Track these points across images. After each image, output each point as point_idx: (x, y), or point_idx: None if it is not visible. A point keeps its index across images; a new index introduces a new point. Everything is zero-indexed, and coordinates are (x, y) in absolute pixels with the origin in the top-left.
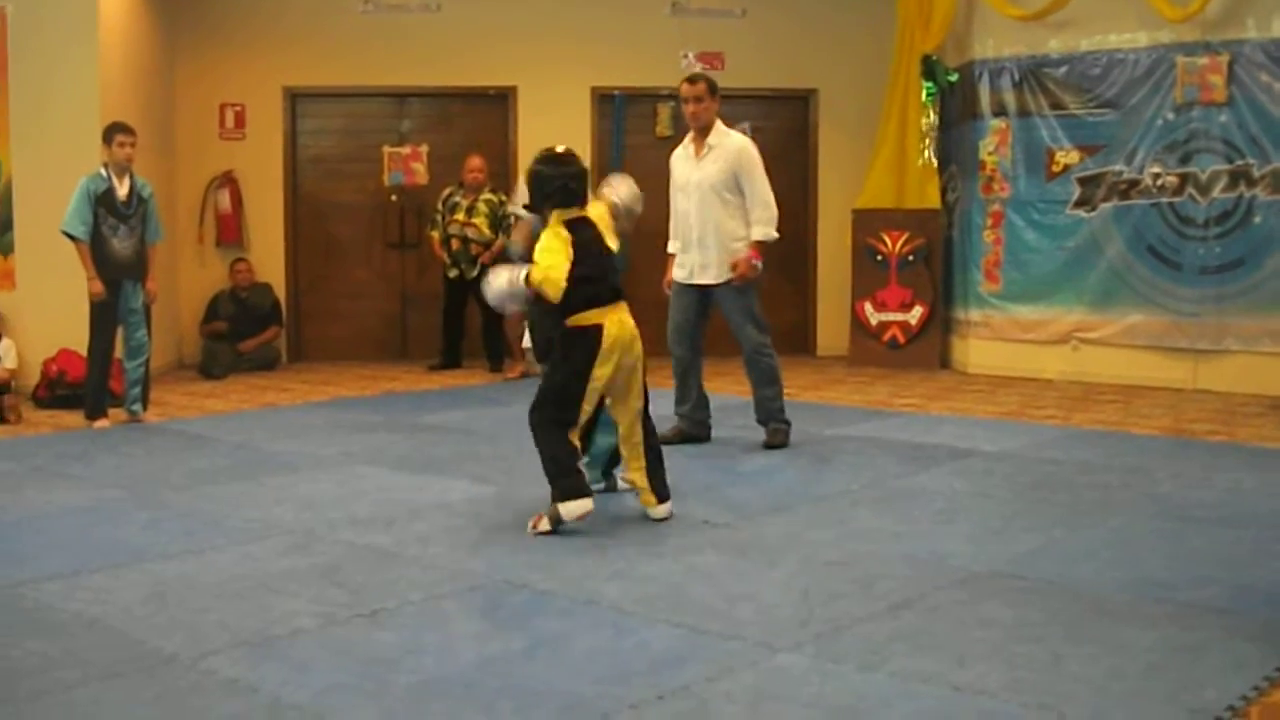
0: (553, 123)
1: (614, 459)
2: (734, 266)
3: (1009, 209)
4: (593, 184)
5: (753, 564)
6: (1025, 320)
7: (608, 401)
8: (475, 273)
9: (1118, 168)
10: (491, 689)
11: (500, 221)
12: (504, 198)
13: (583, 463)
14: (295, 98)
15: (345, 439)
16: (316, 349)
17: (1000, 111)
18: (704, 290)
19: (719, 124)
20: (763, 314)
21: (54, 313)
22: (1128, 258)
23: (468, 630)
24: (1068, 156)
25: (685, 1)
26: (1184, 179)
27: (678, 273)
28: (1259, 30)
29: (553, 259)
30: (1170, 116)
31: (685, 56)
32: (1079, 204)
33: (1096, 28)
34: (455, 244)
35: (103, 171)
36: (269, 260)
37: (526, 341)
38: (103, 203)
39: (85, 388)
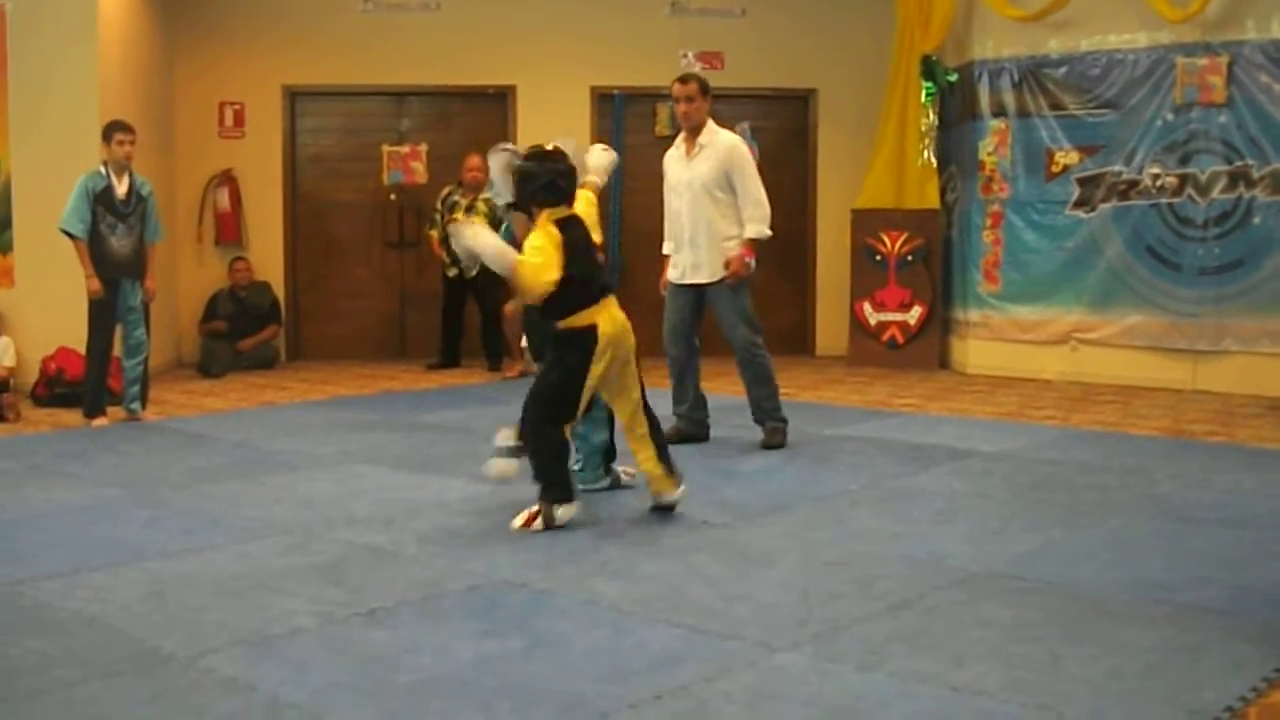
0: (552, 122)
1: (609, 453)
2: (727, 264)
3: (1008, 209)
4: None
5: (751, 564)
6: (1024, 321)
7: (604, 397)
8: (474, 272)
9: (1117, 168)
10: (489, 688)
11: (499, 221)
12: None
13: (576, 462)
14: (295, 96)
15: (344, 438)
16: (315, 348)
17: (1000, 112)
18: (698, 290)
19: (710, 123)
20: (755, 313)
21: (53, 311)
22: (1127, 258)
23: (466, 629)
24: (1067, 157)
25: (685, 1)
26: (1183, 180)
27: (671, 273)
28: (1258, 31)
29: (545, 260)
30: (1170, 117)
31: (685, 56)
32: (1078, 204)
33: (1096, 28)
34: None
35: (101, 170)
36: (268, 259)
37: (525, 341)
38: (101, 201)
39: (84, 386)
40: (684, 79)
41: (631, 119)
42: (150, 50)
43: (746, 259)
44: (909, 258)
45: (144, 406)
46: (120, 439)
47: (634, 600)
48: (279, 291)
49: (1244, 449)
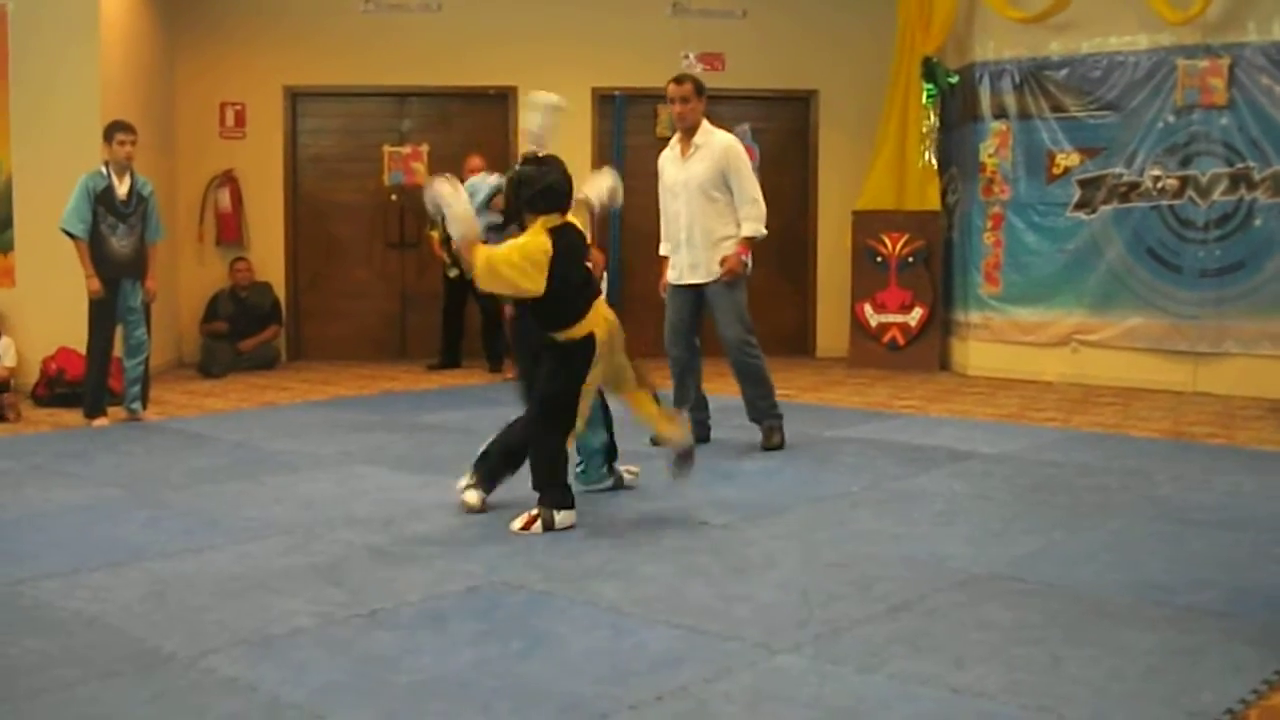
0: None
1: (611, 454)
2: (723, 262)
3: (1009, 211)
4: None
5: (751, 565)
6: (1025, 322)
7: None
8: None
9: (1118, 170)
10: (489, 689)
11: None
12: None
13: (576, 465)
14: (296, 97)
15: (344, 438)
16: (316, 348)
17: (1001, 113)
18: (697, 290)
19: (705, 123)
20: (748, 313)
21: (54, 311)
22: (1127, 260)
23: (466, 630)
24: (1068, 159)
25: (686, 2)
26: (1184, 182)
27: (670, 274)
28: (1260, 33)
29: (525, 270)
30: (1171, 119)
31: (686, 57)
32: (1079, 206)
33: (1097, 30)
34: (455, 244)
35: (103, 170)
36: (269, 259)
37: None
38: (102, 201)
39: (84, 386)
40: (679, 79)
41: (632, 120)
42: (151, 50)
43: (743, 257)
44: (910, 259)
45: (144, 407)
46: (121, 439)
47: (634, 601)
48: (280, 292)
49: (1244, 451)
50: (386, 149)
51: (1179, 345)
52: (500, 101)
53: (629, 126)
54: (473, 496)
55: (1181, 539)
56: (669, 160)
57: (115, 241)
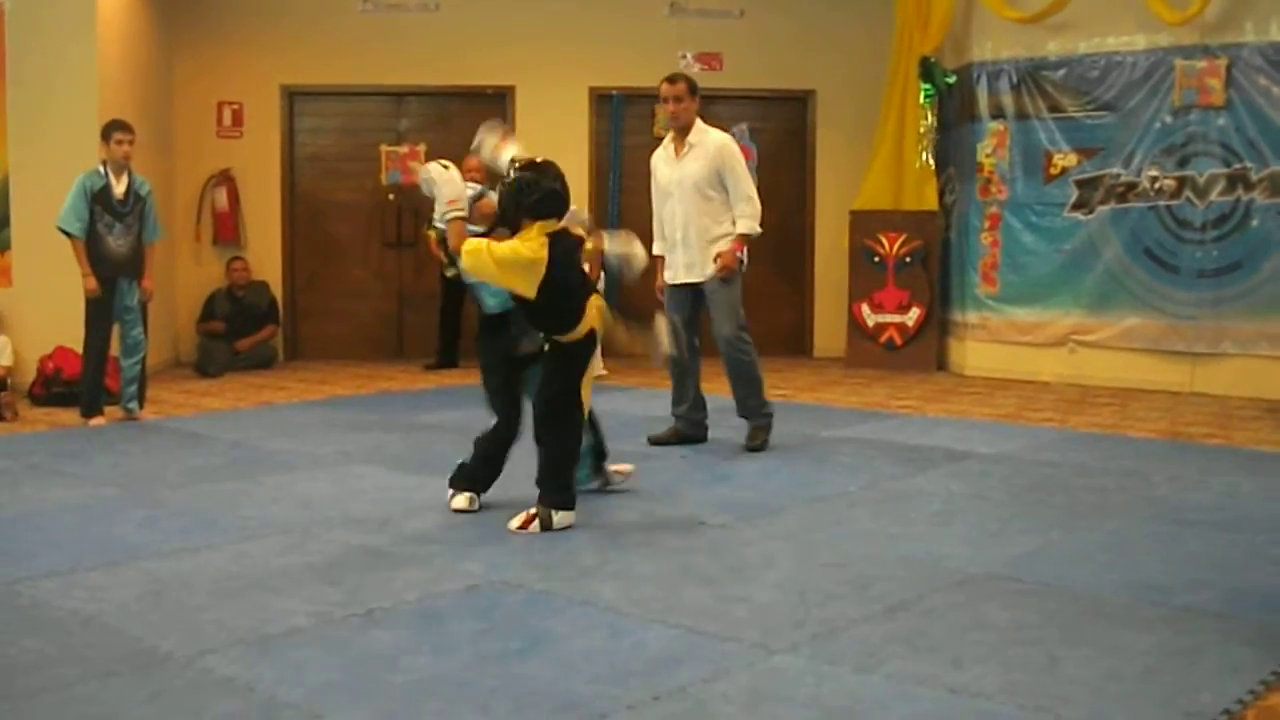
0: (551, 123)
1: (599, 454)
2: (717, 258)
3: (1006, 211)
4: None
5: (749, 565)
6: (1022, 323)
7: None
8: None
9: (1115, 170)
10: (487, 688)
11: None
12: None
13: None
14: (293, 96)
15: (341, 438)
16: (313, 348)
17: (998, 114)
18: (694, 289)
19: (699, 122)
20: (742, 310)
21: (51, 310)
22: (1125, 260)
23: (463, 630)
24: (1065, 159)
25: (683, 2)
26: (1181, 182)
27: (666, 274)
28: (1257, 34)
29: (520, 272)
30: (1168, 119)
31: (683, 57)
32: (1076, 206)
33: (1095, 30)
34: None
35: (100, 169)
36: (266, 259)
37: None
38: (99, 200)
39: (81, 385)
40: (672, 79)
41: (630, 120)
42: (149, 50)
43: (738, 254)
44: (907, 259)
45: (141, 406)
46: (117, 438)
47: (632, 601)
48: (277, 291)
49: (1241, 451)
50: (384, 149)
51: (1176, 346)
52: (498, 101)
53: (626, 126)
54: (461, 500)
55: (1178, 539)
56: (662, 159)
57: (112, 241)
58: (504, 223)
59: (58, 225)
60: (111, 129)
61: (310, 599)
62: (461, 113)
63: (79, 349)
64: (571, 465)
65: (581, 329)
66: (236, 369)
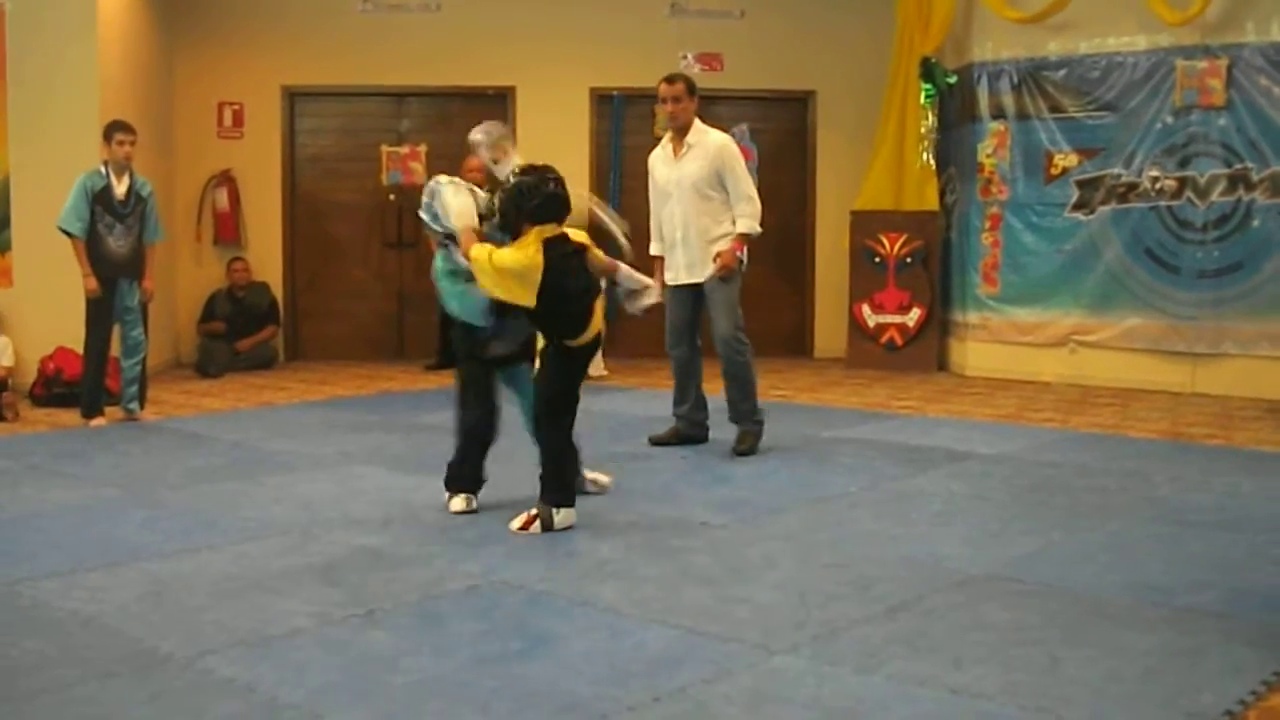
0: (551, 123)
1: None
2: (717, 257)
3: (1007, 211)
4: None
5: (750, 566)
6: (1023, 323)
7: None
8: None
9: (1116, 171)
10: (487, 689)
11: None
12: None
13: None
14: (294, 97)
15: (342, 438)
16: (313, 348)
17: (999, 114)
18: (695, 289)
19: (697, 122)
20: (740, 310)
21: (51, 310)
22: (1126, 261)
23: (464, 630)
24: (1066, 159)
25: (684, 2)
26: (1182, 182)
27: (667, 275)
28: (1258, 34)
29: (512, 273)
30: (1169, 120)
31: (684, 58)
32: (1077, 207)
33: (1095, 30)
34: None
35: (101, 169)
36: (266, 259)
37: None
38: (99, 200)
39: (81, 386)
40: (670, 79)
41: (630, 120)
42: (150, 50)
43: (737, 253)
44: (908, 260)
45: (142, 406)
46: (118, 439)
47: (632, 602)
48: (277, 292)
49: (1242, 452)
50: (385, 149)
51: (1177, 346)
52: (499, 102)
53: (627, 127)
54: (458, 502)
55: (1180, 540)
56: (660, 160)
57: (112, 241)
58: (504, 228)
59: (58, 225)
60: (113, 130)
61: (311, 600)
62: (462, 113)
63: (79, 349)
64: (571, 464)
65: (589, 334)
66: (237, 369)
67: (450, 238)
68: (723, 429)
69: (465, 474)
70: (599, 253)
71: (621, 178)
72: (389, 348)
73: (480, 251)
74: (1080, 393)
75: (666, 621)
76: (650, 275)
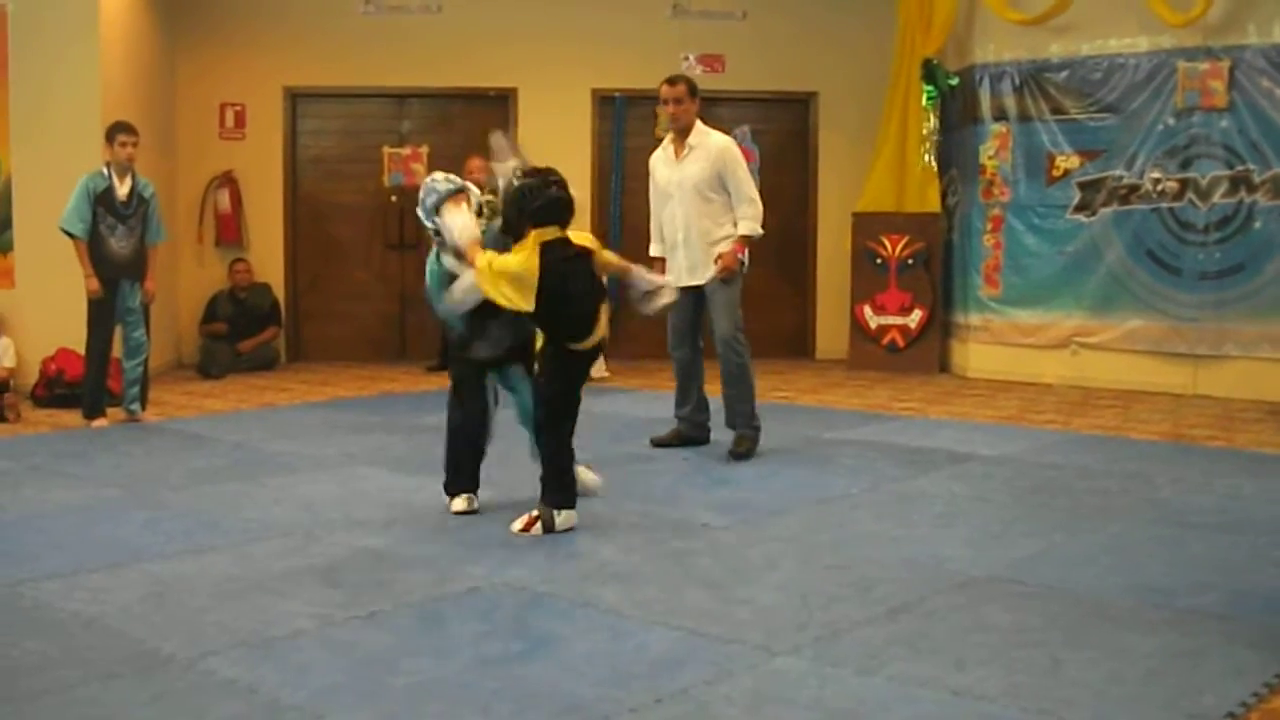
0: (553, 124)
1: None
2: (718, 259)
3: (1009, 213)
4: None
5: (751, 567)
6: (1025, 325)
7: None
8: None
9: (1118, 173)
10: (489, 691)
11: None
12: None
13: None
14: (296, 98)
15: (343, 439)
16: (315, 349)
17: (1001, 116)
18: (697, 291)
19: (699, 124)
20: (740, 312)
21: (53, 311)
22: (1127, 263)
23: (465, 632)
24: (1068, 161)
25: (686, 4)
26: (1184, 184)
27: (669, 277)
28: (1260, 36)
29: (510, 278)
30: (1171, 122)
31: (686, 59)
32: (1079, 209)
33: (1097, 32)
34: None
35: (104, 170)
36: (268, 260)
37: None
38: (102, 202)
39: (83, 387)
40: (672, 80)
41: (632, 121)
42: (152, 51)
43: (739, 255)
44: (909, 261)
45: (144, 407)
46: (120, 440)
47: (634, 603)
48: (279, 293)
49: (1244, 454)
50: (386, 150)
51: (1179, 348)
52: (501, 103)
53: (629, 128)
54: (459, 502)
55: (1181, 542)
56: (661, 161)
57: (114, 242)
58: (508, 231)
59: (60, 226)
60: (116, 131)
61: (312, 601)
62: (464, 114)
63: (81, 350)
64: (571, 465)
65: (594, 338)
66: (239, 370)
67: (439, 234)
68: (724, 431)
69: (461, 474)
70: (609, 255)
71: (623, 179)
72: (391, 349)
73: (482, 260)
74: (1082, 394)
75: (668, 623)
76: None
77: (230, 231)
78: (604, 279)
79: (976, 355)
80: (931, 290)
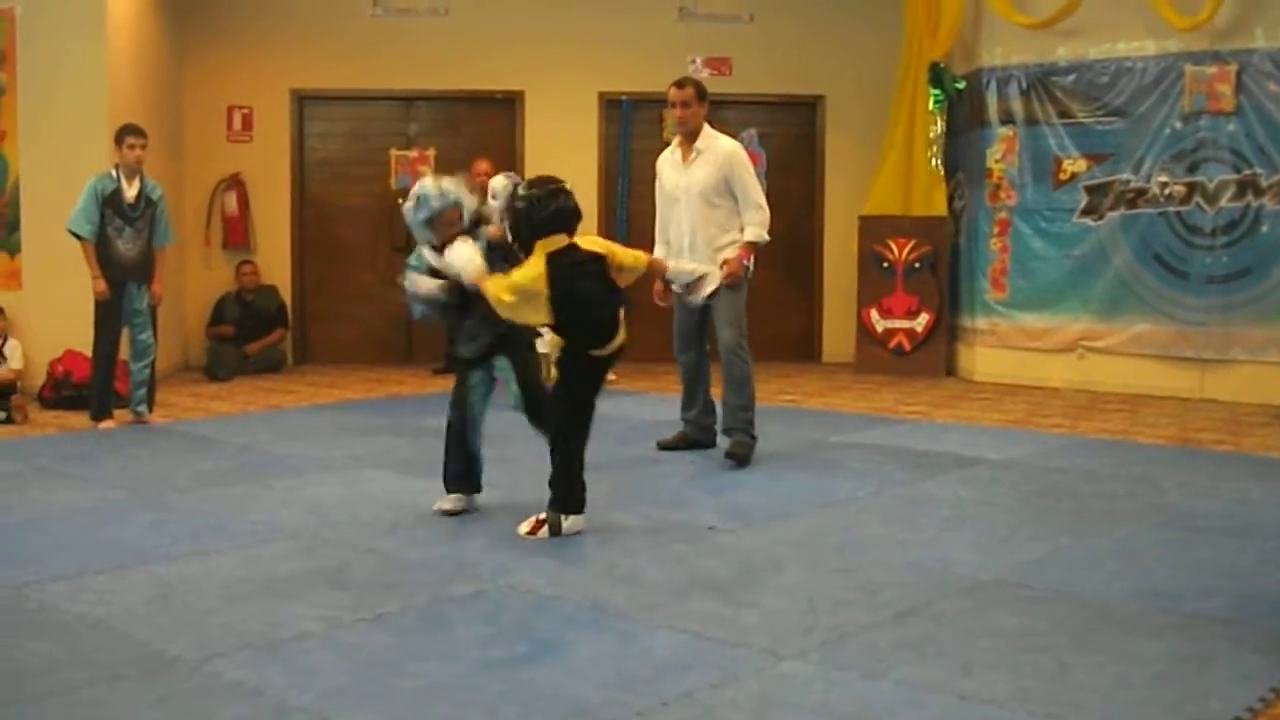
0: (560, 127)
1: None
2: (724, 264)
3: (1016, 217)
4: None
5: (757, 571)
6: (1031, 328)
7: None
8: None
9: (1125, 176)
10: (495, 693)
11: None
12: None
13: None
14: (303, 100)
15: (350, 442)
16: (322, 351)
17: (1008, 119)
18: None
19: (707, 128)
20: (745, 317)
21: (60, 313)
22: (1134, 266)
23: (471, 634)
24: (1075, 165)
25: (693, 7)
26: (1191, 188)
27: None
28: (1267, 40)
29: (513, 295)
30: (1178, 125)
31: (693, 62)
32: (1086, 212)
33: (1104, 36)
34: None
35: (112, 172)
36: (275, 263)
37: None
38: (109, 204)
39: (90, 389)
40: (680, 83)
41: (639, 124)
42: (159, 54)
43: (744, 261)
44: (916, 265)
45: (150, 409)
46: (126, 442)
47: (640, 606)
48: (286, 295)
49: (1251, 458)
50: (393, 153)
51: (1186, 352)
52: (508, 106)
53: (636, 131)
54: (445, 502)
55: (1188, 546)
56: (668, 164)
57: (122, 244)
58: (518, 244)
59: (68, 228)
60: (124, 133)
61: (319, 603)
62: (471, 117)
63: (88, 352)
64: (581, 471)
65: (614, 344)
66: (246, 373)
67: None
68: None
69: (451, 473)
70: (628, 256)
71: (630, 183)
72: (397, 351)
73: (493, 286)
74: (1089, 398)
75: (674, 626)
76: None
77: (237, 234)
78: (620, 282)
79: (983, 359)
80: (938, 294)
